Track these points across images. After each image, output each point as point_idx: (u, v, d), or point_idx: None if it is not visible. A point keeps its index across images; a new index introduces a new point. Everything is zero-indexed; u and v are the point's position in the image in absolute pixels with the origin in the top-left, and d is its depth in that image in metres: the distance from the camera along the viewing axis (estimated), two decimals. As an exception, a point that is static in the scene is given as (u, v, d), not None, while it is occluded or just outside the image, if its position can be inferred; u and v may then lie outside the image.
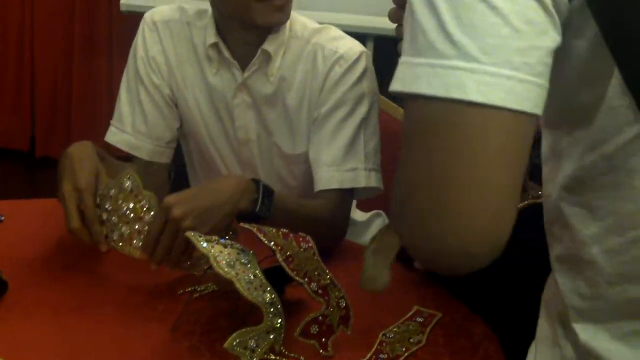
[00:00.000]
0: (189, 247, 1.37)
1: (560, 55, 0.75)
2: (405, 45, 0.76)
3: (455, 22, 0.71)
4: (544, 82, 0.72)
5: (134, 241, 1.41)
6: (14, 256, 1.50)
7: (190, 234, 1.27)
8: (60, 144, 4.22)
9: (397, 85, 0.74)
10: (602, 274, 0.86)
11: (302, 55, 1.68)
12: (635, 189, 0.80)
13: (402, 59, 0.75)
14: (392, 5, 1.11)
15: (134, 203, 1.38)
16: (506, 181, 0.72)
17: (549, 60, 0.73)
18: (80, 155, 1.45)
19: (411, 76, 0.73)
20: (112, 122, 1.79)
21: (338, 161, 1.63)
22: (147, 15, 1.77)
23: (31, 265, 1.48)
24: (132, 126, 1.75)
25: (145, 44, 1.75)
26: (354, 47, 1.67)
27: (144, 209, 1.39)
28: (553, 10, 0.73)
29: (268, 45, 1.65)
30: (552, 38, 0.73)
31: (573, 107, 0.83)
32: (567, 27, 0.75)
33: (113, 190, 1.39)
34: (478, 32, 0.70)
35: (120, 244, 1.42)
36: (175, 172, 1.83)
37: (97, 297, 1.40)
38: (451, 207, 0.71)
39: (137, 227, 1.40)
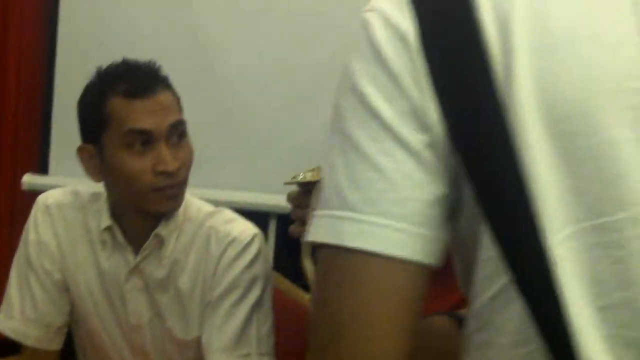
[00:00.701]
0: None
1: (459, 206, 0.80)
2: (316, 201, 0.84)
3: (345, 178, 0.78)
4: (425, 231, 0.77)
5: None
6: None
7: None
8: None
9: (308, 236, 0.81)
10: None
11: (195, 239, 1.68)
12: (503, 346, 0.80)
13: (313, 213, 0.82)
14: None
15: None
16: (380, 328, 0.76)
17: (431, 211, 0.78)
18: None
19: (315, 226, 0.80)
20: (1, 307, 1.74)
21: (230, 346, 1.61)
22: (40, 199, 1.77)
23: None
24: (21, 312, 1.71)
25: (37, 228, 1.73)
26: (246, 229, 1.68)
27: None
28: (434, 167, 0.78)
29: (161, 230, 1.65)
30: (430, 190, 0.78)
31: (465, 261, 0.85)
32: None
33: None
34: (362, 186, 0.77)
35: None
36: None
37: None
38: (330, 344, 0.77)
39: None
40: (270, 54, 2.95)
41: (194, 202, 1.74)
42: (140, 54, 1.67)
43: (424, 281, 0.79)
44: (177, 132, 1.60)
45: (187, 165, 1.62)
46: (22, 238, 1.76)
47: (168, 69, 1.66)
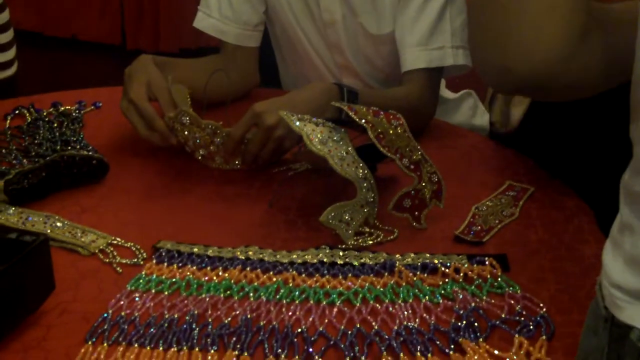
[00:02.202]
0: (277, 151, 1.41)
1: None
2: None
3: None
4: None
5: (216, 158, 1.44)
6: (113, 140, 1.56)
7: (283, 113, 1.29)
8: (149, 36, 4.31)
9: None
10: None
11: None
12: None
13: None
14: None
15: (199, 132, 1.40)
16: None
17: None
18: (131, 72, 1.50)
19: None
20: (199, 7, 1.80)
21: (424, 40, 1.62)
22: None
23: (130, 147, 1.53)
24: (219, 11, 1.76)
25: None
26: None
27: (210, 135, 1.40)
28: None
29: None
30: None
31: None
32: None
33: (176, 125, 1.41)
34: None
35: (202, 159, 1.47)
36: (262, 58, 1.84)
37: (197, 176, 1.44)
38: (494, 21, 0.76)
39: (212, 148, 1.42)
40: None
41: None
42: None
43: None
44: None
45: None
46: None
47: None
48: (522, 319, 1.05)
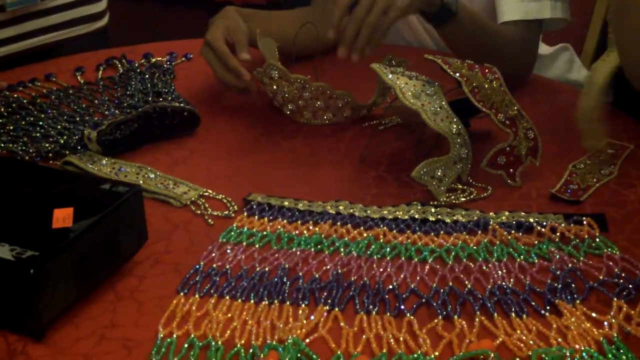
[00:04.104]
0: (376, 32, 1.34)
1: None
2: None
3: None
4: None
5: (304, 113, 1.42)
6: (204, 92, 1.56)
7: (375, 65, 1.27)
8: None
9: None
10: None
11: None
12: None
13: None
14: None
15: (287, 87, 1.38)
16: None
17: None
18: (214, 20, 1.52)
19: None
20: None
21: (523, -10, 1.57)
22: None
23: (221, 100, 1.53)
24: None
25: None
26: None
27: (299, 89, 1.38)
28: None
29: None
30: None
31: None
32: None
33: (264, 78, 1.40)
34: None
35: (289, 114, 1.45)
36: None
37: (286, 130, 1.43)
38: None
39: (300, 103, 1.41)
40: None
41: None
42: None
43: None
44: None
45: None
46: None
47: None
48: (621, 281, 1.02)
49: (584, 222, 1.12)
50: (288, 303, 1.00)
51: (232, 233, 1.14)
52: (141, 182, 1.24)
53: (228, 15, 1.53)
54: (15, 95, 1.54)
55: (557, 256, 1.07)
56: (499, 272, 1.05)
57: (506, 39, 1.54)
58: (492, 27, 1.55)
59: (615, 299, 0.98)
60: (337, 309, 0.98)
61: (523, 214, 1.16)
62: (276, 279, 1.04)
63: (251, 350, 0.91)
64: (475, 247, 1.10)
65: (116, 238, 1.02)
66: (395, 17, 1.34)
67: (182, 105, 1.40)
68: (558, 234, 1.11)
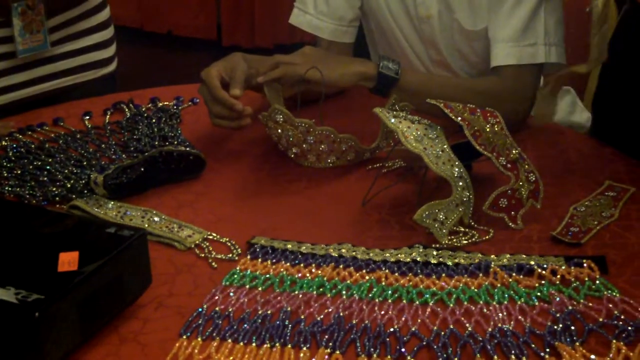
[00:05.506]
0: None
1: None
2: None
3: None
4: None
5: (308, 156, 1.45)
6: (210, 136, 1.58)
7: (378, 110, 1.29)
8: (245, 32, 4.37)
9: None
10: None
11: None
12: None
13: None
14: None
15: (292, 130, 1.41)
16: None
17: None
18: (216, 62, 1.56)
19: None
20: (295, 4, 1.81)
21: (516, 36, 1.59)
22: None
23: (226, 144, 1.55)
24: (314, 7, 1.76)
25: None
26: None
27: (303, 133, 1.41)
28: None
29: None
30: None
31: None
32: None
33: (269, 122, 1.42)
34: None
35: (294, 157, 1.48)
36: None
37: (291, 174, 1.45)
38: None
39: (304, 147, 1.43)
40: None
41: None
42: None
43: None
44: None
45: None
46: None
47: None
48: (621, 323, 1.02)
49: (585, 265, 1.13)
50: (289, 346, 1.01)
51: (235, 276, 1.15)
52: (146, 225, 1.26)
53: (231, 57, 1.56)
54: (24, 140, 1.56)
55: (558, 298, 1.07)
56: (500, 314, 1.05)
57: (491, 86, 1.57)
58: (465, 83, 1.63)
59: (614, 341, 0.99)
60: (338, 352, 0.99)
61: (524, 256, 1.17)
62: (278, 322, 1.04)
63: (252, 393, 0.92)
64: (476, 290, 1.11)
65: (120, 281, 1.04)
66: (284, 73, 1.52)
67: (188, 149, 1.42)
68: (559, 276, 1.11)
